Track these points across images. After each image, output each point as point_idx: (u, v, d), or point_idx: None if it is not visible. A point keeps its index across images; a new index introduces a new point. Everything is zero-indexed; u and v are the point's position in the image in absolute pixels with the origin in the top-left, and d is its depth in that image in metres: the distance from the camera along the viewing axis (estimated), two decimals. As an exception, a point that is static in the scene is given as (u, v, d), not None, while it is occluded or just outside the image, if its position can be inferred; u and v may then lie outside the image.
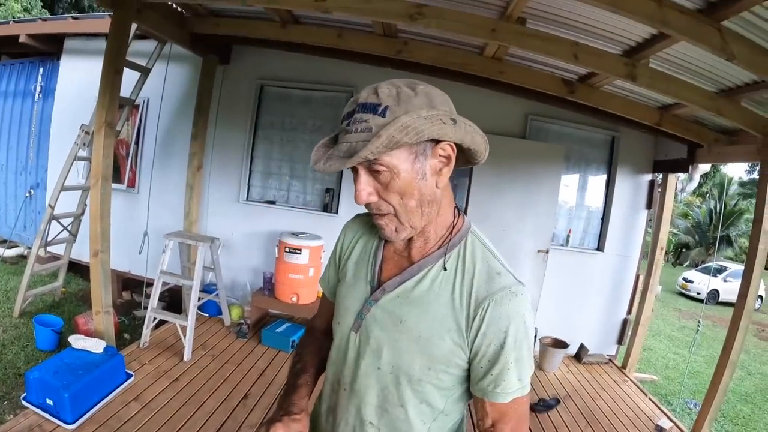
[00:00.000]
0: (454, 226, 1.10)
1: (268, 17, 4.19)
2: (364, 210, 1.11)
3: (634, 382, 5.27)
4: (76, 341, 3.41)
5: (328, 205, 5.39)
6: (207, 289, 5.00)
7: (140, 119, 5.53)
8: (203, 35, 4.55)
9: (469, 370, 1.05)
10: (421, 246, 1.09)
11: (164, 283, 4.24)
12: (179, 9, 4.35)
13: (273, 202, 5.50)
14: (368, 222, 1.25)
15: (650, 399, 4.89)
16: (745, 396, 7.83)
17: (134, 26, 3.87)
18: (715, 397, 4.07)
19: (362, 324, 1.11)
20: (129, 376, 3.54)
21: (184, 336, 4.05)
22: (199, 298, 4.31)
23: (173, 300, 5.27)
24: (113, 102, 3.66)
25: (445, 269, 1.06)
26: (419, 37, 4.11)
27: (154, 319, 4.18)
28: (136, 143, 5.56)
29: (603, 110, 4.62)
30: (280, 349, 4.53)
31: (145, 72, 4.53)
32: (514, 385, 1.00)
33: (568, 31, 3.28)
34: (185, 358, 4.02)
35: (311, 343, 1.36)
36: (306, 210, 5.45)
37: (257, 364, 4.19)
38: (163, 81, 5.06)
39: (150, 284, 4.68)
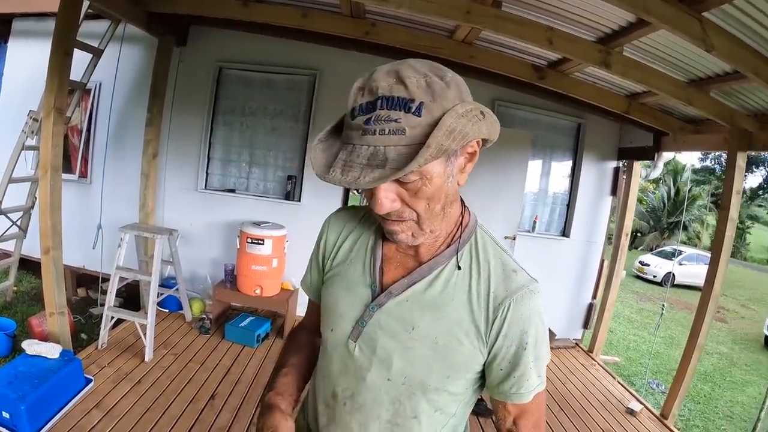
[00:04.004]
0: (461, 221, 1.02)
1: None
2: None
3: (601, 366, 5.38)
4: (30, 347, 3.18)
5: (291, 193, 5.22)
6: (166, 283, 4.78)
7: (92, 105, 5.19)
8: (160, 14, 4.27)
9: (481, 372, 1.02)
10: (430, 243, 1.00)
11: (121, 279, 4.01)
12: (134, -15, 4.08)
13: (233, 191, 5.30)
14: (355, 216, 1.15)
15: (619, 382, 5.00)
16: (705, 375, 8.19)
17: (86, 4, 3.59)
18: (684, 380, 4.18)
19: (363, 331, 1.01)
20: (88, 381, 3.34)
21: (144, 335, 3.85)
22: (158, 294, 4.10)
23: (130, 295, 5.03)
24: (62, 86, 3.39)
25: (459, 268, 0.99)
26: (388, 18, 3.97)
27: (112, 318, 3.93)
28: (88, 130, 5.22)
29: (570, 97, 4.61)
30: (245, 344, 4.38)
31: (97, 54, 4.21)
32: (534, 383, 0.99)
33: (543, 15, 3.21)
34: (146, 359, 3.82)
35: (299, 338, 1.29)
36: (267, 198, 5.27)
37: (222, 362, 4.03)
38: (116, 64, 4.75)
39: (106, 280, 4.43)
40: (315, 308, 1.23)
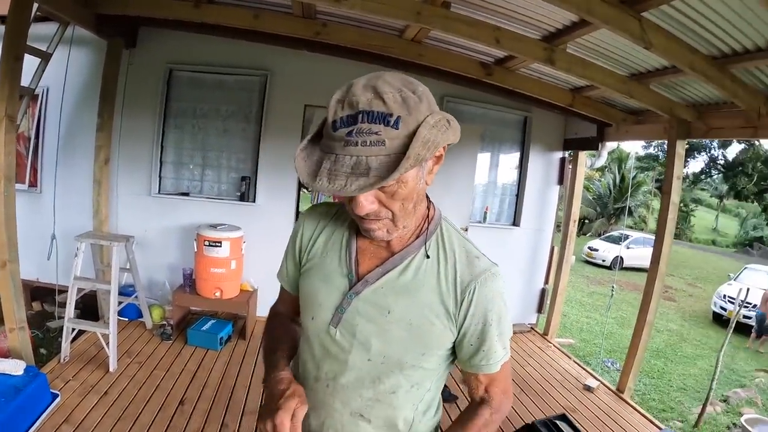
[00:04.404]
0: (428, 215, 1.13)
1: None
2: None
3: (557, 347, 5.63)
4: (-7, 364, 3.09)
5: (245, 194, 5.21)
6: (123, 291, 4.66)
7: (40, 111, 4.97)
8: (109, 16, 4.13)
9: (452, 349, 1.14)
10: (401, 236, 1.09)
11: (79, 290, 3.92)
12: (84, -14, 3.94)
13: (186, 194, 5.22)
14: (328, 213, 1.23)
15: (575, 361, 5.25)
16: (657, 352, 8.63)
17: (35, 7, 3.44)
18: (636, 355, 4.44)
19: (343, 318, 1.10)
20: (55, 396, 3.25)
21: (107, 345, 3.77)
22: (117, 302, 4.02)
23: (87, 306, 4.89)
24: (13, 92, 3.27)
25: (428, 257, 1.09)
26: (339, 18, 4.01)
27: (73, 330, 3.85)
28: (36, 138, 5.00)
29: (517, 92, 4.81)
30: (209, 348, 4.37)
31: (45, 58, 3.99)
32: (500, 354, 1.12)
33: (491, 15, 3.34)
34: (111, 369, 3.76)
35: (281, 324, 1.35)
36: (222, 200, 5.24)
37: (188, 367, 4.01)
38: (64, 68, 4.52)
39: (62, 292, 4.32)
40: (288, 297, 1.34)
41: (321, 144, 0.95)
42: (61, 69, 4.43)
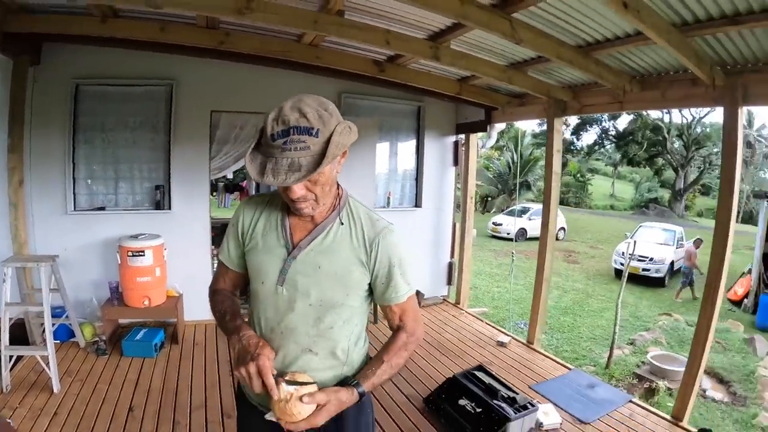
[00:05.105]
0: (339, 194, 1.52)
1: (86, 12, 3.86)
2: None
3: (470, 313, 6.20)
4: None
5: (160, 202, 5.32)
6: (52, 313, 4.58)
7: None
8: (14, 34, 3.98)
9: (369, 291, 1.52)
10: (321, 212, 1.46)
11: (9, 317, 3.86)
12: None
13: (102, 208, 5.23)
14: (262, 201, 1.59)
15: (487, 323, 5.84)
16: (565, 309, 9.50)
17: None
18: (539, 308, 5.06)
19: (286, 277, 1.45)
20: (6, 425, 3.20)
21: (48, 366, 3.78)
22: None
23: (11, 336, 4.72)
24: None
25: (342, 224, 1.48)
26: (241, 27, 4.18)
27: (11, 357, 3.83)
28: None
29: (409, 85, 5.24)
30: (145, 356, 4.48)
31: None
32: (405, 288, 1.51)
33: (381, 20, 3.73)
34: (55, 390, 3.76)
35: (226, 297, 1.65)
36: (138, 211, 5.31)
37: (129, 376, 4.11)
38: None
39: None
40: (228, 275, 1.66)
41: (261, 150, 1.30)
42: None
